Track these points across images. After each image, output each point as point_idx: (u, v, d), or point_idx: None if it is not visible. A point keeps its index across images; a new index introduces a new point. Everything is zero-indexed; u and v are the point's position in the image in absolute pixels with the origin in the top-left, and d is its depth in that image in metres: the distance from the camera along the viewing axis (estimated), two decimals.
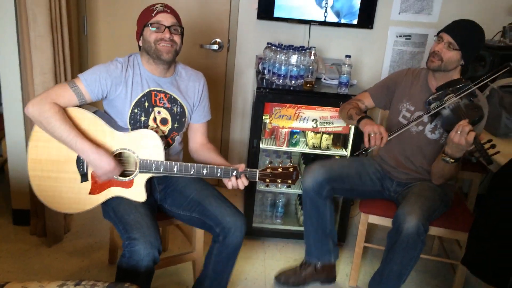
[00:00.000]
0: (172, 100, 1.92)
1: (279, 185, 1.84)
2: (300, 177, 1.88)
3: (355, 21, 2.90)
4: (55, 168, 1.80)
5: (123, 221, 1.73)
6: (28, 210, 2.58)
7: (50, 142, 1.76)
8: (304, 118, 2.55)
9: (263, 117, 2.53)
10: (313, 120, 2.55)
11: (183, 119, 1.96)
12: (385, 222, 2.23)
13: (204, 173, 1.80)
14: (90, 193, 1.82)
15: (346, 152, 2.66)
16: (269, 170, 1.83)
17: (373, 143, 2.01)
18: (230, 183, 1.81)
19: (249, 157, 2.63)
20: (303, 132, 2.75)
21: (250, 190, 2.67)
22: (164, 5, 1.84)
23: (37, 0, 2.19)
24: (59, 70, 2.38)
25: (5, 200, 2.81)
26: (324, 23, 2.91)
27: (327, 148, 2.66)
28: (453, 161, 1.94)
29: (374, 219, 2.28)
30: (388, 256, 2.03)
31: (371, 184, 2.29)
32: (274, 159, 2.76)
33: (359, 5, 2.86)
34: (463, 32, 2.02)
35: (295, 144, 2.67)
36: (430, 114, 2.04)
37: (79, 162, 1.80)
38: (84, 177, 1.81)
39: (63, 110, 1.74)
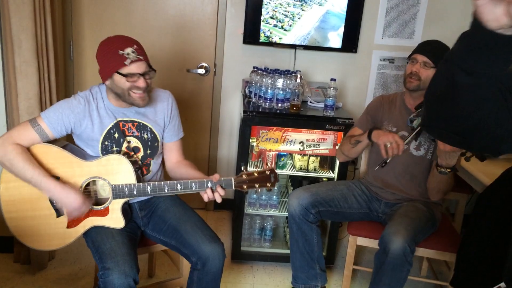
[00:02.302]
0: (141, 127, 1.89)
1: (259, 190, 1.80)
2: (278, 179, 1.85)
3: (339, 45, 2.96)
4: (30, 207, 1.77)
5: (99, 251, 1.70)
6: (11, 237, 2.52)
7: (21, 182, 1.73)
8: (291, 141, 2.56)
9: (250, 140, 2.54)
10: (300, 143, 2.57)
11: (156, 144, 1.94)
12: (373, 244, 2.23)
13: (179, 189, 1.76)
14: (68, 227, 1.79)
15: (333, 174, 2.67)
16: (244, 176, 1.79)
17: (391, 153, 2.01)
18: (206, 195, 1.76)
19: None
20: (290, 155, 2.77)
21: (237, 213, 2.66)
22: (135, 50, 1.71)
23: (22, 27, 2.20)
24: (44, 96, 2.37)
25: None
26: (309, 47, 2.96)
27: (314, 171, 2.68)
28: (449, 170, 1.96)
29: (362, 241, 2.28)
30: (377, 277, 2.02)
31: (358, 207, 2.30)
32: None
33: (343, 29, 2.92)
34: (435, 50, 2.12)
35: (282, 167, 2.68)
36: (416, 132, 2.05)
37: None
38: (58, 212, 1.78)
39: (27, 150, 1.72)
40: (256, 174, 1.80)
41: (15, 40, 2.21)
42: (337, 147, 2.45)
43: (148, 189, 1.77)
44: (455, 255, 1.82)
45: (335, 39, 2.94)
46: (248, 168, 2.57)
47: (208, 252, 1.79)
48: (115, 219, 1.80)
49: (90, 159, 1.79)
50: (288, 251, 2.74)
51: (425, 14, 3.02)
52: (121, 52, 1.69)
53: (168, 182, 1.77)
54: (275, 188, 2.67)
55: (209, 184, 1.77)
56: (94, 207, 1.78)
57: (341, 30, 2.92)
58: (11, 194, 1.76)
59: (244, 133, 2.52)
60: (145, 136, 1.90)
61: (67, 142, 1.88)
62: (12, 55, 2.24)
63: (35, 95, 2.30)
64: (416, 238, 2.01)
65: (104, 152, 1.83)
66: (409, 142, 2.09)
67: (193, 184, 1.77)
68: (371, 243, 2.25)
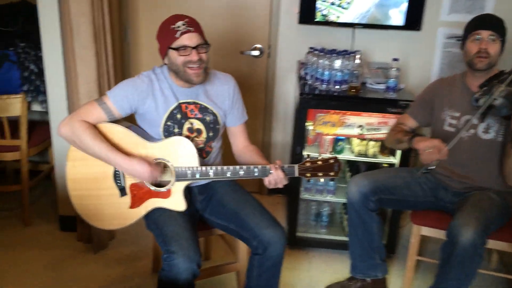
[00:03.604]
0: (203, 109, 1.88)
1: (322, 179, 1.75)
2: (342, 168, 1.80)
3: (401, 23, 2.78)
4: (94, 186, 1.80)
5: (162, 233, 1.71)
6: (74, 217, 2.61)
7: (86, 160, 1.77)
8: (349, 125, 2.45)
9: (306, 124, 2.46)
10: (358, 127, 2.46)
11: (217, 126, 1.92)
12: (439, 234, 2.10)
13: (241, 174, 1.75)
14: (130, 207, 1.81)
15: (395, 160, 2.54)
16: (308, 164, 1.75)
17: (429, 160, 1.91)
18: (267, 178, 1.74)
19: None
20: (348, 139, 2.65)
21: (293, 198, 2.60)
22: (186, 23, 1.71)
23: (80, 11, 2.22)
24: (103, 79, 2.40)
25: (52, 207, 2.87)
26: (368, 26, 2.80)
27: (374, 156, 2.55)
28: None
29: (427, 231, 2.16)
30: (443, 271, 1.90)
31: (423, 195, 2.17)
32: None
33: (406, 6, 2.73)
34: (496, 22, 2.00)
35: (340, 152, 2.58)
36: (482, 110, 1.88)
37: (116, 177, 1.80)
38: (122, 191, 1.80)
39: (94, 127, 1.74)
40: (320, 163, 1.75)
41: (74, 24, 2.24)
42: (389, 123, 2.32)
43: (211, 172, 1.75)
44: None
45: (397, 17, 2.77)
46: (304, 152, 2.52)
47: (269, 237, 1.76)
48: (176, 202, 1.80)
49: (154, 141, 1.80)
50: (345, 238, 2.66)
51: None
52: (172, 26, 1.71)
53: (231, 167, 1.75)
54: None
55: (271, 170, 1.73)
56: (157, 188, 1.78)
57: (403, 7, 2.74)
58: (77, 172, 1.80)
59: (300, 117, 2.44)
60: (207, 118, 1.88)
61: (130, 124, 1.89)
62: (71, 39, 2.28)
63: (94, 79, 2.33)
64: (488, 229, 1.86)
65: (166, 134, 1.82)
66: (453, 145, 1.94)
67: (255, 170, 1.74)
68: (437, 234, 2.12)
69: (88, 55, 2.28)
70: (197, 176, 1.76)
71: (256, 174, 1.74)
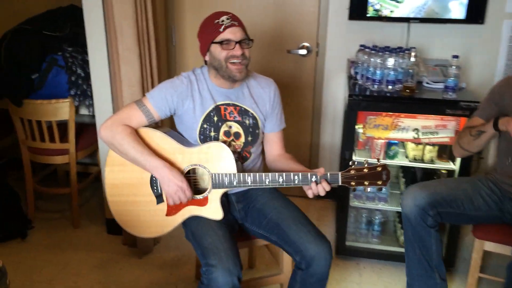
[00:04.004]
0: (243, 112, 1.80)
1: (369, 188, 1.61)
2: (390, 177, 1.64)
3: (462, 16, 2.55)
4: (132, 192, 1.77)
5: (201, 245, 1.64)
6: None
7: (125, 166, 1.74)
8: (403, 128, 2.27)
9: (356, 127, 2.31)
10: (413, 130, 2.27)
11: (257, 131, 1.83)
12: (505, 250, 1.90)
13: (281, 181, 1.64)
14: (167, 214, 1.75)
15: (455, 166, 2.33)
16: (352, 172, 1.62)
17: None
18: (311, 191, 1.63)
19: (341, 170, 2.41)
20: (402, 143, 2.47)
21: (342, 206, 2.46)
22: (230, 17, 1.69)
23: (124, 13, 2.20)
24: (146, 82, 2.37)
25: (100, 209, 2.90)
26: (425, 20, 2.60)
27: (431, 161, 2.36)
28: None
29: (490, 246, 1.96)
30: None
31: (486, 208, 1.95)
32: None
33: None
34: None
35: (393, 157, 2.40)
36: None
37: (153, 183, 1.75)
38: (159, 198, 1.75)
39: (134, 131, 1.71)
40: (365, 170, 1.61)
41: (118, 27, 2.22)
42: (448, 126, 2.11)
43: (249, 180, 1.67)
44: None
45: (458, 9, 2.54)
46: (354, 157, 2.37)
47: (313, 252, 1.64)
48: (213, 210, 1.72)
49: (192, 146, 1.74)
50: (399, 249, 2.49)
51: None
52: (216, 20, 1.68)
53: (270, 174, 1.66)
54: None
55: (313, 178, 1.62)
56: (194, 196, 1.72)
57: None
58: (115, 178, 1.78)
59: (349, 119, 2.29)
60: (247, 122, 1.81)
61: (169, 129, 1.86)
62: (115, 42, 2.26)
63: (138, 81, 2.30)
64: None
65: (201, 137, 1.77)
66: None
67: (296, 177, 1.64)
68: (502, 249, 1.92)
69: (131, 57, 2.26)
70: (235, 183, 1.68)
71: (296, 181, 1.64)
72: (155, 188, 1.75)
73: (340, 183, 1.63)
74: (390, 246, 2.54)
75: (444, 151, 2.38)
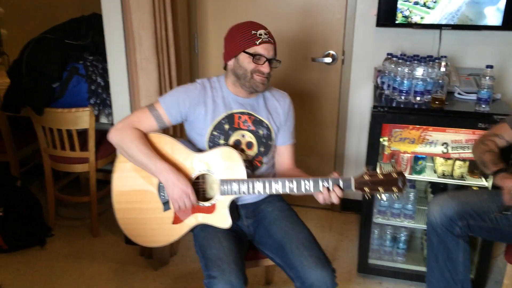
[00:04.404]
0: (257, 122, 1.75)
1: (383, 196, 1.51)
2: (407, 183, 1.54)
3: (499, 22, 2.39)
4: (139, 199, 1.72)
5: (205, 257, 1.59)
6: None
7: (134, 172, 1.71)
8: (432, 142, 2.14)
9: (381, 140, 2.19)
10: (443, 145, 2.13)
11: (269, 142, 1.78)
12: None
13: (291, 187, 1.57)
14: (173, 222, 1.70)
15: (487, 183, 2.18)
16: (366, 177, 1.52)
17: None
18: (321, 195, 1.55)
19: None
20: (431, 157, 2.33)
21: (365, 222, 2.34)
22: (268, 33, 1.66)
23: (143, 23, 2.16)
24: (164, 91, 2.33)
25: None
26: (458, 27, 2.45)
27: (461, 177, 2.21)
28: None
29: None
30: None
31: None
32: None
33: (504, 2, 2.35)
34: None
35: (420, 172, 2.27)
36: None
37: (160, 190, 1.71)
38: (166, 205, 1.71)
39: (144, 135, 1.68)
40: (380, 176, 1.52)
41: (136, 36, 2.19)
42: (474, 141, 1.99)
43: (257, 185, 1.60)
44: None
45: (494, 15, 2.39)
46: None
47: (313, 279, 1.54)
48: (221, 217, 1.66)
49: (201, 152, 1.70)
50: (425, 269, 2.34)
51: None
52: (254, 31, 1.64)
53: (279, 179, 1.59)
54: (411, 195, 2.30)
55: (325, 183, 1.54)
56: (201, 203, 1.67)
57: (502, 4, 2.35)
58: (123, 184, 1.74)
59: (373, 132, 2.17)
60: (261, 132, 1.76)
61: (180, 138, 1.81)
62: (133, 52, 2.23)
63: (155, 91, 2.27)
64: None
65: (210, 144, 1.72)
66: None
67: (306, 182, 1.56)
68: None
69: (149, 67, 2.23)
70: (243, 189, 1.61)
71: (308, 187, 1.56)
72: (162, 194, 1.71)
73: (353, 189, 1.54)
74: (416, 266, 2.40)
75: (476, 167, 2.23)
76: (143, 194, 1.72)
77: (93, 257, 2.59)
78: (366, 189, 1.53)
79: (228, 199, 1.66)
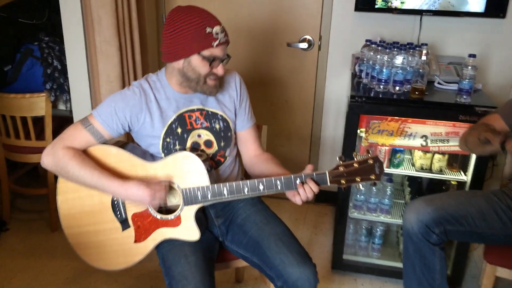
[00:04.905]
0: (210, 116, 1.57)
1: (361, 184, 1.39)
2: (384, 169, 1.42)
3: (481, 9, 2.29)
4: (92, 221, 1.54)
5: (169, 274, 1.44)
6: None
7: (80, 192, 1.51)
8: (411, 134, 2.04)
9: (358, 131, 2.08)
10: (422, 137, 2.04)
11: (229, 134, 1.61)
12: None
13: (261, 189, 1.42)
14: (135, 241, 1.53)
15: (466, 177, 2.10)
16: (342, 169, 1.39)
17: None
18: (299, 197, 1.40)
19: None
20: (409, 150, 2.24)
21: (340, 217, 2.24)
22: (223, 31, 1.43)
23: (101, 2, 1.98)
24: (128, 78, 2.16)
25: None
26: (440, 13, 2.34)
27: (440, 171, 2.12)
28: None
29: (504, 272, 1.73)
30: None
31: (501, 227, 1.72)
32: None
33: None
34: None
35: (398, 165, 2.17)
36: None
37: (115, 207, 1.53)
38: (124, 224, 1.53)
39: (81, 152, 1.47)
40: (356, 165, 1.38)
41: (95, 16, 2.01)
42: (460, 134, 1.87)
43: (225, 191, 1.44)
44: None
45: (477, 2, 2.28)
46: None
47: (295, 276, 1.43)
48: (188, 230, 1.50)
49: (155, 160, 1.51)
50: (401, 265, 2.26)
51: None
52: (208, 29, 1.39)
53: (248, 181, 1.43)
54: (387, 189, 2.21)
55: (298, 180, 1.40)
56: (163, 216, 1.50)
57: None
58: (70, 207, 1.56)
59: (350, 124, 2.05)
60: (217, 126, 1.58)
61: (126, 141, 1.63)
62: (92, 33, 2.05)
63: (117, 77, 2.10)
64: None
65: (165, 151, 1.53)
66: None
67: (278, 182, 1.41)
68: None
69: (110, 50, 2.05)
70: (209, 197, 1.45)
71: (279, 187, 1.41)
72: (118, 213, 1.53)
73: (329, 183, 1.41)
74: (391, 261, 2.32)
75: (455, 160, 2.15)
76: (96, 215, 1.54)
77: (52, 254, 2.41)
78: (343, 181, 1.40)
79: (193, 209, 1.49)
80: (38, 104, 2.34)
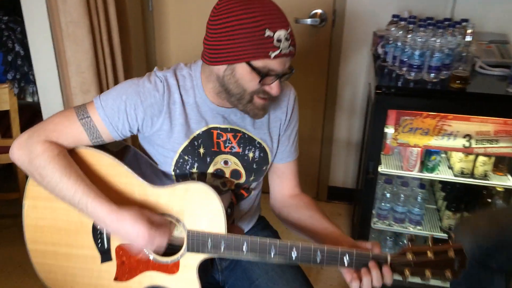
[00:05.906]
0: (247, 141, 1.19)
1: (429, 278, 1.02)
2: (466, 266, 1.04)
3: None
4: (64, 241, 1.18)
5: None
6: None
7: (55, 202, 1.12)
8: (451, 134, 1.67)
9: (385, 129, 1.71)
10: (464, 137, 1.67)
11: (264, 167, 1.22)
12: None
13: (294, 257, 1.04)
14: (116, 279, 1.17)
15: None
16: (410, 256, 1.00)
17: None
18: (356, 283, 1.00)
19: (363, 188, 1.83)
20: (445, 151, 1.87)
21: (362, 228, 1.90)
22: (290, 37, 1.00)
23: None
24: (104, 66, 1.78)
25: None
26: None
27: (485, 176, 1.76)
28: None
29: None
30: None
31: None
32: (398, 188, 1.90)
33: None
34: None
35: (432, 169, 1.81)
36: None
37: (96, 233, 1.16)
38: (105, 255, 1.16)
39: (66, 153, 1.09)
40: (430, 255, 0.99)
41: None
42: None
43: (244, 247, 1.06)
44: None
45: None
46: (380, 168, 1.77)
47: None
48: (186, 282, 1.13)
49: (161, 185, 1.12)
50: (435, 283, 1.94)
51: None
52: (268, 33, 0.98)
53: (278, 242, 1.05)
54: (418, 197, 1.86)
55: (346, 260, 1.01)
56: (158, 258, 1.14)
57: None
58: (40, 217, 1.19)
59: (375, 120, 1.69)
60: (250, 155, 1.20)
61: (127, 144, 1.26)
62: (57, 12, 1.66)
63: (90, 65, 1.72)
64: None
65: (177, 171, 1.16)
66: None
67: (318, 254, 1.02)
68: None
69: (78, 32, 1.67)
70: (222, 249, 1.07)
71: (318, 261, 1.03)
72: (99, 240, 1.17)
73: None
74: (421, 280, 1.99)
75: (503, 162, 1.79)
76: (71, 235, 1.18)
77: (24, 270, 2.08)
78: (407, 272, 1.01)
79: (198, 259, 1.11)
80: (0, 97, 1.97)
